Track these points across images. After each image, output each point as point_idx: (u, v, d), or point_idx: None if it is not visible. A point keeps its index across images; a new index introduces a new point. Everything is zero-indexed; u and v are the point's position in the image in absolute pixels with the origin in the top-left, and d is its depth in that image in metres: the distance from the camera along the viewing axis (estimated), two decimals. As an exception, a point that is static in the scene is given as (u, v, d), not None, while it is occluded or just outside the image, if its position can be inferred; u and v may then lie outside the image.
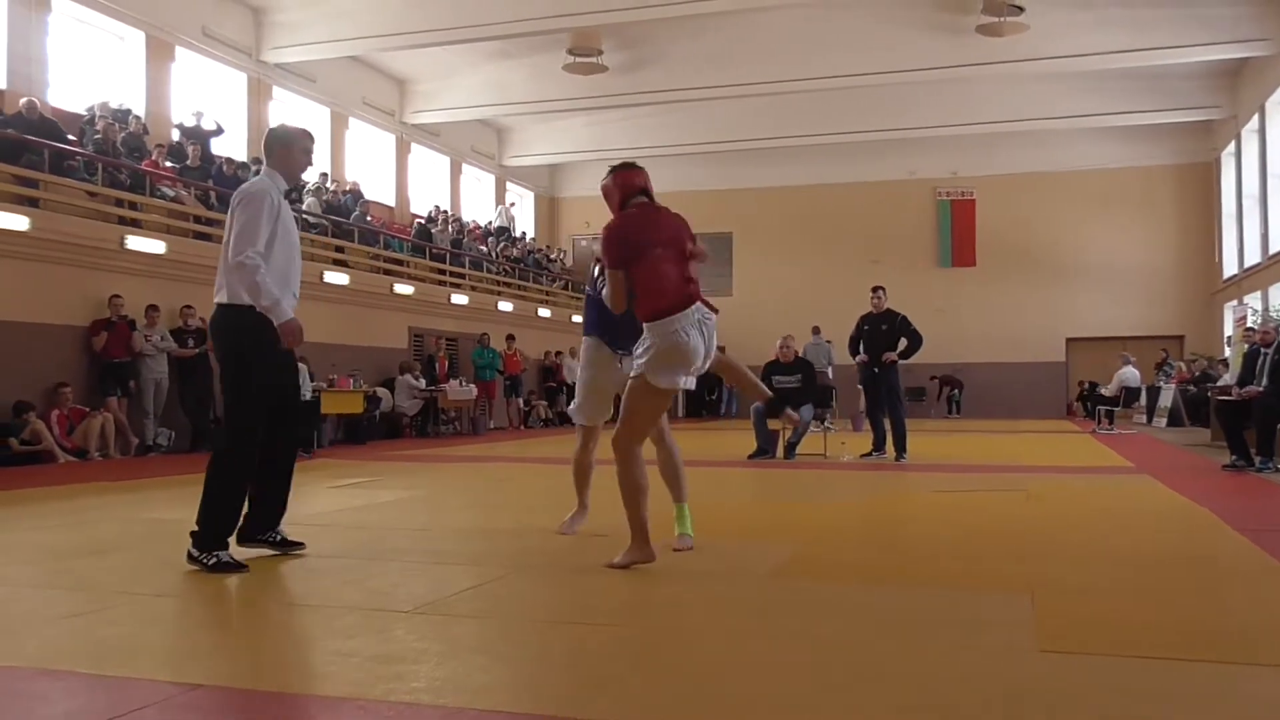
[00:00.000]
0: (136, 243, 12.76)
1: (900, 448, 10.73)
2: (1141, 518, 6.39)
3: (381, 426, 16.50)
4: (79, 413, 11.52)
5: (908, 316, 11.09)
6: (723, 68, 20.12)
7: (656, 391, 4.35)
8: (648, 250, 4.34)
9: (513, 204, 26.86)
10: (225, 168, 14.94)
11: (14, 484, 8.48)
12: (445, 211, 22.59)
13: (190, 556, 4.46)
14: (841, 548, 5.20)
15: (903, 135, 23.55)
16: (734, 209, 26.65)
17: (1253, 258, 20.50)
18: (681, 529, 4.94)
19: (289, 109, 18.89)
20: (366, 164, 21.46)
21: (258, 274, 4.37)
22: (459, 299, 20.13)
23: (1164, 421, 18.48)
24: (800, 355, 12.20)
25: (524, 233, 26.77)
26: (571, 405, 5.55)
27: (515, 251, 24.35)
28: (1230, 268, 22.62)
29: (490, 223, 25.26)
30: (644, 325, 4.35)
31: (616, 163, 4.68)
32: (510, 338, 20.32)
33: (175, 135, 15.59)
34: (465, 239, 22.49)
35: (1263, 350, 9.57)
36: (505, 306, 21.80)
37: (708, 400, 26.75)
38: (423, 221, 21.66)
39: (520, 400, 20.70)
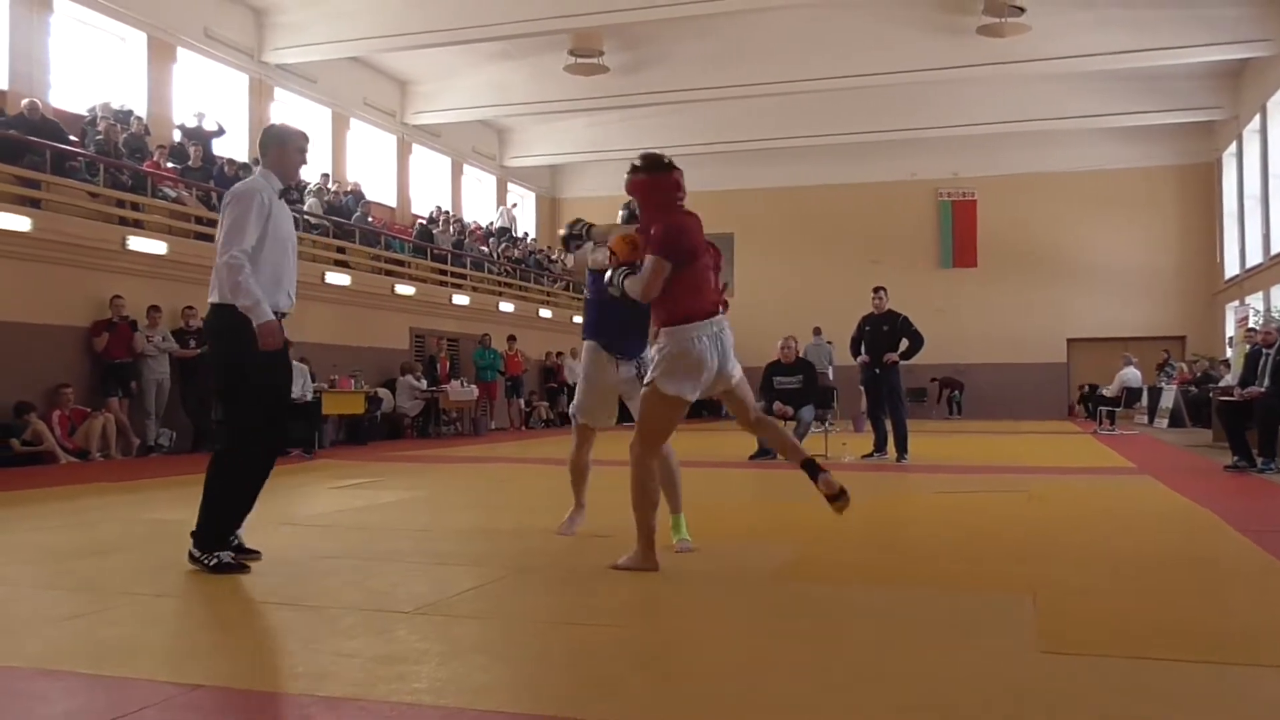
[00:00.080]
0: (138, 243, 12.77)
1: (901, 449, 10.72)
2: (1143, 519, 6.38)
3: (383, 427, 16.50)
4: (80, 413, 11.52)
5: (909, 317, 11.09)
6: (724, 68, 20.12)
7: (667, 399, 4.30)
8: (700, 256, 4.34)
9: (514, 205, 26.87)
10: (227, 169, 14.94)
11: (15, 485, 8.48)
12: (446, 212, 22.60)
13: (191, 557, 4.46)
14: (842, 548, 5.19)
15: (904, 136, 23.55)
16: (735, 209, 26.62)
17: (1254, 258, 20.49)
18: (679, 536, 4.94)
19: (290, 110, 18.89)
20: (368, 165, 21.47)
21: (240, 273, 4.35)
22: (460, 300, 20.14)
23: (1165, 422, 18.47)
24: (801, 356, 12.19)
25: (525, 233, 26.78)
26: (572, 404, 5.55)
27: (516, 252, 24.35)
28: (1232, 268, 22.61)
29: (492, 223, 25.27)
30: (660, 330, 4.31)
31: (649, 155, 4.48)
32: (511, 338, 20.32)
33: (177, 136, 15.59)
34: (466, 240, 22.51)
35: (1264, 351, 9.56)
36: (506, 307, 21.80)
37: (709, 400, 26.70)
38: (424, 222, 21.67)
39: (521, 401, 20.70)
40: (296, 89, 19.15)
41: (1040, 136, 24.20)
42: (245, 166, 15.29)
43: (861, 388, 11.92)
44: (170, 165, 14.56)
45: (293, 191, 14.32)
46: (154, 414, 12.56)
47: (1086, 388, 22.13)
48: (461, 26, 17.37)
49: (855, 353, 11.26)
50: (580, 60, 20.11)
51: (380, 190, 21.60)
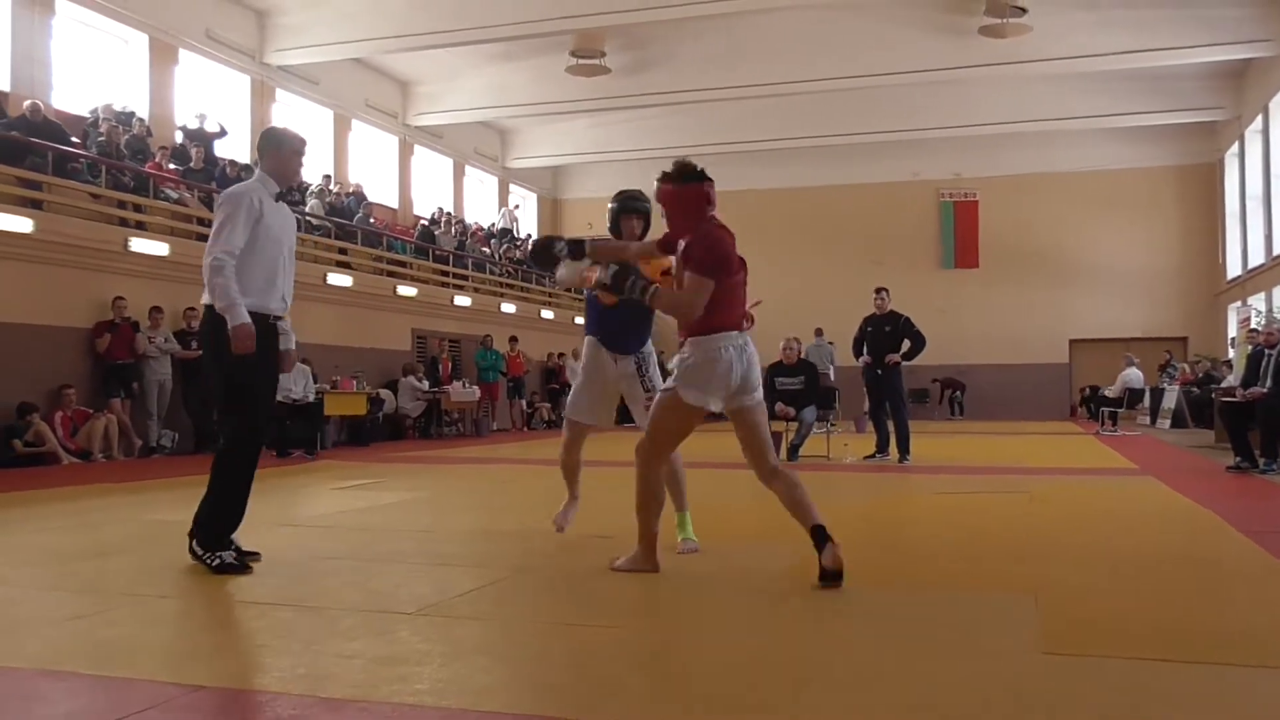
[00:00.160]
0: (140, 245, 12.78)
1: (903, 449, 10.72)
2: (1145, 519, 6.37)
3: (385, 428, 16.51)
4: (83, 414, 11.54)
5: (911, 318, 11.08)
6: (726, 69, 20.11)
7: (683, 407, 4.23)
8: (735, 272, 4.25)
9: (517, 206, 26.87)
10: (229, 170, 14.95)
11: (18, 486, 8.49)
12: (448, 213, 22.61)
13: (194, 554, 4.48)
14: (844, 549, 5.18)
15: (906, 137, 23.53)
16: (737, 210, 26.34)
17: (1256, 259, 20.47)
18: (684, 535, 4.95)
19: (292, 111, 18.91)
20: (369, 166, 21.48)
21: (220, 274, 4.37)
22: (462, 301, 20.15)
23: (1167, 423, 18.45)
24: (803, 357, 12.19)
25: (528, 235, 26.79)
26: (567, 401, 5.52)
27: (518, 253, 24.36)
28: (1234, 269, 22.58)
29: (493, 225, 25.28)
30: (686, 339, 4.22)
31: (680, 164, 4.31)
32: (513, 339, 20.33)
33: (179, 137, 15.61)
34: (468, 241, 22.52)
35: (1267, 351, 9.56)
36: (508, 308, 21.81)
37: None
38: (426, 223, 21.68)
39: (523, 402, 20.71)
40: (298, 90, 19.16)
41: (1042, 137, 24.18)
42: (247, 168, 15.29)
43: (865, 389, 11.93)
44: (172, 167, 14.58)
45: (294, 193, 14.35)
46: (156, 415, 12.57)
47: (1088, 389, 22.11)
48: (463, 28, 17.38)
49: (857, 353, 11.26)
50: (582, 61, 20.11)
51: (382, 191, 21.61)
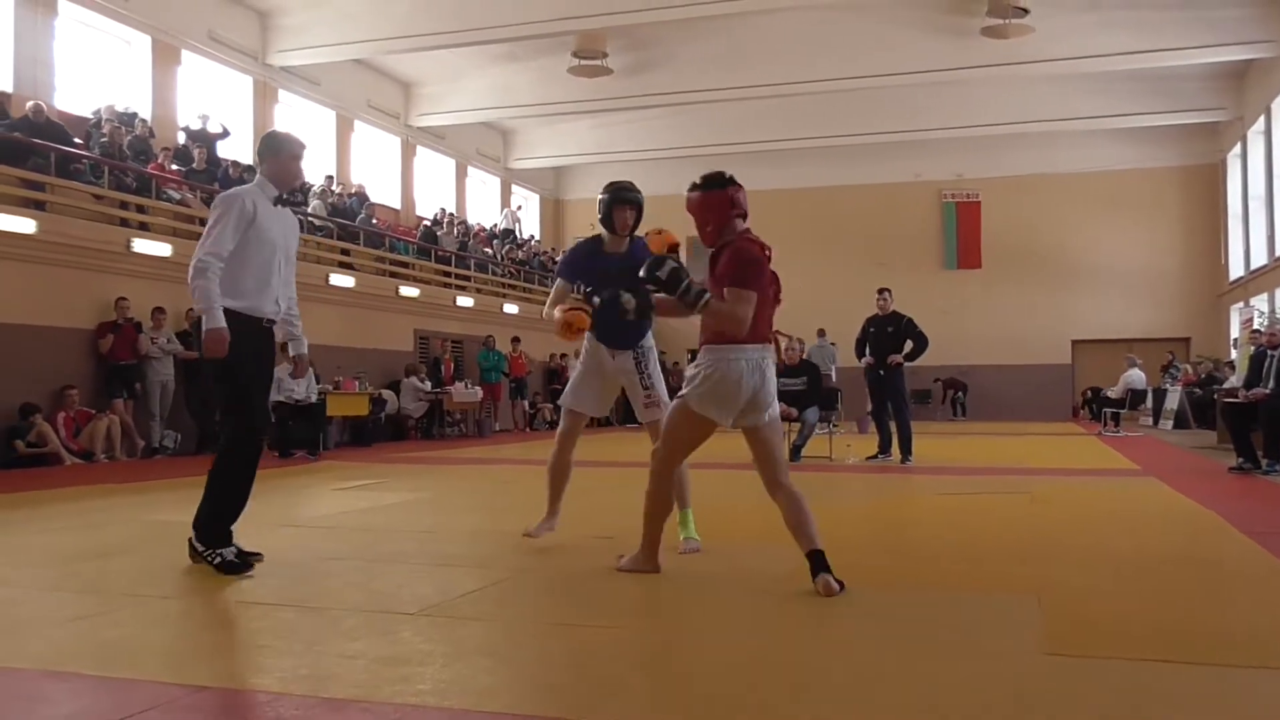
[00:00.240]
0: (142, 245, 12.79)
1: (905, 450, 10.72)
2: (1147, 520, 6.37)
3: (387, 429, 16.52)
4: (85, 415, 11.55)
5: (913, 318, 11.08)
6: (728, 70, 20.11)
7: (694, 417, 4.18)
8: (766, 287, 4.13)
9: (519, 207, 26.87)
10: (231, 171, 14.96)
11: (20, 486, 8.51)
12: (451, 214, 22.62)
13: (194, 550, 4.49)
14: (846, 550, 5.17)
15: (908, 137, 23.52)
16: (738, 211, 26.60)
17: (1259, 260, 20.44)
18: (686, 533, 4.96)
19: (294, 112, 18.93)
20: (372, 167, 21.48)
21: (203, 276, 4.39)
22: (464, 301, 20.16)
23: (1170, 424, 18.44)
24: (805, 358, 12.19)
25: (530, 235, 26.80)
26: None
27: (520, 254, 24.37)
28: (1236, 270, 22.56)
29: (496, 225, 25.28)
30: (703, 346, 4.16)
31: (709, 173, 4.21)
32: (515, 340, 20.33)
33: (181, 138, 15.62)
34: (471, 241, 22.52)
35: (1269, 352, 9.55)
36: (510, 309, 21.82)
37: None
38: (428, 224, 21.69)
39: (525, 402, 20.72)
40: (301, 91, 19.17)
41: (1044, 138, 24.17)
42: (250, 169, 15.30)
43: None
44: (175, 167, 14.58)
45: (297, 194, 14.34)
46: (158, 415, 12.58)
47: (1090, 390, 22.09)
48: (465, 29, 17.39)
49: (859, 354, 11.26)
50: (584, 62, 20.11)
51: (384, 192, 21.61)
